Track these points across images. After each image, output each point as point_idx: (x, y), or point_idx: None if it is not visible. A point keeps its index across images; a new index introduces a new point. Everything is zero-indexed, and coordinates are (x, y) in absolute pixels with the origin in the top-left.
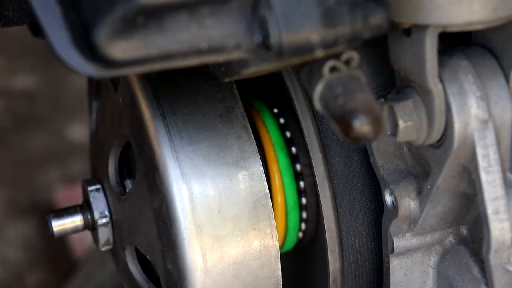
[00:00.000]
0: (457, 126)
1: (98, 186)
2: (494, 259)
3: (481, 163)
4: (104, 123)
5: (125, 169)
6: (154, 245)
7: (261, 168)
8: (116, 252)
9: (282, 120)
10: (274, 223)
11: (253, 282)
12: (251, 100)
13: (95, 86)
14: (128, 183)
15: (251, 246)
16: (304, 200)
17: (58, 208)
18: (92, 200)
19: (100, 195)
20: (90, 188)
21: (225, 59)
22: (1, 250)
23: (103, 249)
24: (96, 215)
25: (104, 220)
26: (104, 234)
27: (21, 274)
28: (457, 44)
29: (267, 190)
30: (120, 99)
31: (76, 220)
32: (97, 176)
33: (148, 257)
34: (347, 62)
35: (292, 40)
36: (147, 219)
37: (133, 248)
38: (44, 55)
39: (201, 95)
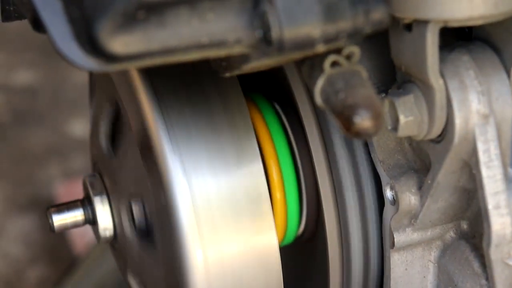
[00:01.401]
0: (458, 121)
1: (99, 180)
2: (494, 254)
3: (482, 158)
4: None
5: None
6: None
7: (261, 163)
8: (116, 247)
9: (282, 115)
10: (273, 218)
11: (253, 277)
12: (251, 95)
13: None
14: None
15: (250, 241)
16: (304, 196)
17: (59, 203)
18: (92, 194)
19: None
20: (90, 183)
21: (226, 53)
22: (2, 245)
23: (104, 243)
24: (97, 209)
25: (105, 215)
26: (105, 228)
27: (22, 269)
28: (458, 39)
29: (267, 186)
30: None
31: (76, 215)
32: (97, 170)
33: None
34: (348, 57)
35: (293, 35)
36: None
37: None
38: (45, 50)
39: (201, 90)
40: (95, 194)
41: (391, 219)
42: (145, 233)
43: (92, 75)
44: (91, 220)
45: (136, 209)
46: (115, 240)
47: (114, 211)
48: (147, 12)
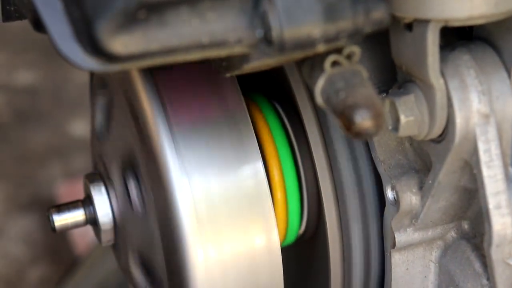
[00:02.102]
0: (459, 120)
1: (100, 180)
2: (495, 254)
3: (483, 157)
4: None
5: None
6: (155, 241)
7: (262, 163)
8: (117, 247)
9: (283, 115)
10: (274, 218)
11: (254, 277)
12: (252, 94)
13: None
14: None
15: (251, 241)
16: (305, 195)
17: (60, 203)
18: (93, 194)
19: (102, 190)
20: (91, 183)
21: (226, 53)
22: (3, 245)
23: (105, 243)
24: (98, 209)
25: (105, 215)
26: (106, 228)
27: (23, 269)
28: (458, 38)
29: (268, 185)
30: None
31: (77, 215)
32: (98, 170)
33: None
34: (349, 57)
35: (294, 35)
36: (149, 215)
37: (135, 246)
38: (46, 51)
39: (201, 90)
40: (96, 194)
41: (392, 219)
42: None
43: (93, 74)
44: (92, 220)
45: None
46: (116, 239)
47: (115, 211)
48: (148, 12)
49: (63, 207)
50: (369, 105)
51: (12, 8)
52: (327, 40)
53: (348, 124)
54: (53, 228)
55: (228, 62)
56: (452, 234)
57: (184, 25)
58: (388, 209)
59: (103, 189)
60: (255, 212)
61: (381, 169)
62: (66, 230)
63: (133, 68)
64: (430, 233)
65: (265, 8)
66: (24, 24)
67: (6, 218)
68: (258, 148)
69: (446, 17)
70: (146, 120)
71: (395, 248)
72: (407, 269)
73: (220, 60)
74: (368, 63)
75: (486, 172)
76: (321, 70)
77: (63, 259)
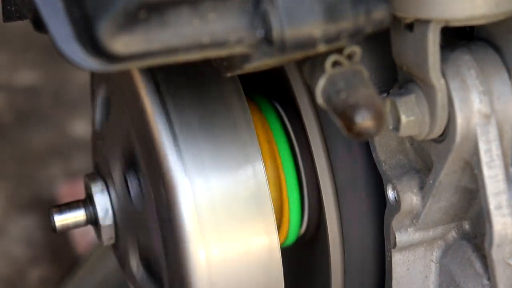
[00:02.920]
0: (460, 121)
1: (100, 180)
2: (496, 254)
3: (484, 158)
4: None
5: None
6: (156, 241)
7: (263, 164)
8: (118, 247)
9: (283, 115)
10: (275, 218)
11: (255, 277)
12: (252, 95)
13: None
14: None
15: (252, 242)
16: (305, 196)
17: (60, 203)
18: (94, 194)
19: (103, 190)
20: (92, 183)
21: (227, 53)
22: (4, 245)
23: (106, 243)
24: (99, 209)
25: (106, 215)
26: (107, 228)
27: (24, 269)
28: (459, 39)
29: (268, 186)
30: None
31: (78, 215)
32: (99, 170)
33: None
34: (349, 57)
35: (295, 35)
36: (150, 215)
37: (136, 246)
38: (47, 51)
39: (202, 90)
40: (97, 194)
41: (392, 219)
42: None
43: (93, 75)
44: (93, 220)
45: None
46: (117, 239)
47: (116, 211)
48: (148, 12)
49: (63, 207)
50: (370, 105)
51: (13, 8)
52: (328, 40)
53: (349, 124)
54: (53, 228)
55: (229, 62)
56: (453, 234)
57: (185, 25)
58: (388, 209)
59: (104, 189)
60: (256, 213)
61: (381, 169)
62: (66, 230)
63: (134, 68)
64: (431, 233)
65: (266, 8)
66: (25, 24)
67: (7, 218)
68: (259, 148)
69: (447, 17)
70: (147, 121)
71: (396, 248)
72: (408, 269)
73: (221, 60)
74: (369, 63)
75: (487, 172)
76: (322, 70)
77: (63, 259)
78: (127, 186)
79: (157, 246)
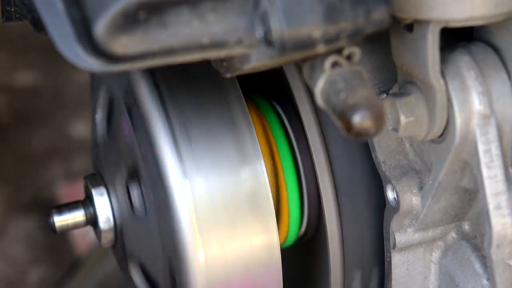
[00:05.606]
0: (459, 121)
1: (100, 180)
2: (495, 254)
3: (483, 158)
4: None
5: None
6: (156, 242)
7: (263, 164)
8: (117, 247)
9: (283, 116)
10: (275, 219)
11: (254, 277)
12: (252, 95)
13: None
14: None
15: (252, 242)
16: (305, 196)
17: (60, 204)
18: (94, 195)
19: (102, 191)
20: (91, 183)
21: (227, 54)
22: (4, 246)
23: (105, 245)
24: (98, 210)
25: (106, 216)
26: (106, 229)
27: (24, 270)
28: (459, 40)
29: (268, 186)
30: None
31: (78, 216)
32: (99, 171)
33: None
34: (349, 58)
35: (294, 35)
36: (150, 217)
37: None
38: (46, 51)
39: (202, 91)
40: (96, 195)
41: (392, 220)
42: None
43: (93, 75)
44: (92, 221)
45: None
46: (116, 240)
47: (115, 211)
48: (148, 12)
49: (63, 208)
50: (369, 105)
51: (13, 9)
52: (328, 40)
53: (348, 125)
54: (53, 229)
55: (228, 63)
56: (452, 234)
57: (184, 25)
58: (388, 210)
59: (103, 190)
60: (256, 213)
61: (381, 170)
62: (66, 231)
63: (134, 68)
64: (430, 234)
65: (265, 8)
66: (25, 25)
67: (7, 218)
68: (259, 148)
69: (446, 18)
70: (147, 122)
71: (396, 248)
72: (407, 269)
73: (220, 60)
74: (369, 63)
75: (486, 172)
76: (321, 70)
77: (63, 260)
78: (127, 188)
79: (156, 246)
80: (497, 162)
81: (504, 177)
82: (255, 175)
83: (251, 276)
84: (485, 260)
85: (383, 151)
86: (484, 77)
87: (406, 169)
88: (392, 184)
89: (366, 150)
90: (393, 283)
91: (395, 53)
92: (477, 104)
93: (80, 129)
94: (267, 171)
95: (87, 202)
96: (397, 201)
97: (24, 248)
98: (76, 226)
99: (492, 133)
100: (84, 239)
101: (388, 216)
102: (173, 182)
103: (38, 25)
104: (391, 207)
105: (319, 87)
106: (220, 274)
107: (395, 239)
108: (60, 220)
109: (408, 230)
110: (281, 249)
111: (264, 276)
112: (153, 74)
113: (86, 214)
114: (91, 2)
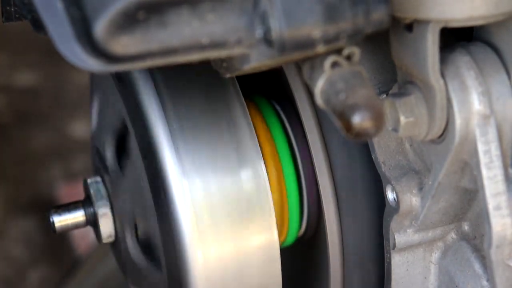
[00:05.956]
0: (459, 121)
1: (100, 181)
2: (495, 255)
3: (483, 158)
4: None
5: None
6: (156, 240)
7: (263, 164)
8: (117, 247)
9: (283, 116)
10: (274, 219)
11: (253, 277)
12: (252, 95)
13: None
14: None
15: (251, 241)
16: (305, 196)
17: (60, 204)
18: (93, 195)
19: (102, 191)
20: (91, 184)
21: (226, 54)
22: (4, 246)
23: (105, 244)
24: (98, 210)
25: (106, 216)
26: (106, 228)
27: (24, 270)
28: (459, 40)
29: (268, 186)
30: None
31: (78, 216)
32: (98, 171)
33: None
34: (349, 58)
35: (294, 35)
36: (149, 213)
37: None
38: (46, 51)
39: (202, 91)
40: (96, 195)
41: (392, 220)
42: (148, 248)
43: (93, 76)
44: (92, 222)
45: (140, 226)
46: (116, 241)
47: (115, 212)
48: (148, 12)
49: (63, 208)
50: (369, 106)
51: (13, 9)
52: (327, 40)
53: (348, 125)
54: (53, 229)
55: (228, 63)
56: (452, 235)
57: (184, 25)
58: (388, 210)
59: (103, 190)
60: (255, 213)
61: (381, 170)
62: (66, 231)
63: (133, 68)
64: (430, 234)
65: (265, 8)
66: (25, 25)
67: (7, 219)
68: (259, 148)
69: (446, 17)
70: (146, 122)
71: (395, 249)
72: (407, 270)
73: (220, 60)
74: (368, 63)
75: (486, 173)
76: (321, 71)
77: (63, 260)
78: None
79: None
80: (497, 163)
81: (504, 178)
82: (254, 175)
83: (250, 276)
84: (485, 261)
85: (383, 151)
86: (484, 77)
87: (406, 169)
88: (392, 185)
89: (366, 150)
90: (393, 283)
91: (395, 53)
92: (476, 104)
93: (80, 129)
94: (266, 171)
95: (87, 202)
96: (397, 201)
97: (24, 248)
98: (76, 226)
99: (492, 134)
100: (84, 239)
101: (388, 217)
102: (172, 183)
103: (37, 25)
104: (391, 208)
105: (319, 87)
106: (219, 274)
107: (395, 239)
108: (60, 220)
109: (408, 230)
110: (280, 249)
111: (264, 276)
112: (152, 74)
113: (86, 214)
114: (91, 2)
